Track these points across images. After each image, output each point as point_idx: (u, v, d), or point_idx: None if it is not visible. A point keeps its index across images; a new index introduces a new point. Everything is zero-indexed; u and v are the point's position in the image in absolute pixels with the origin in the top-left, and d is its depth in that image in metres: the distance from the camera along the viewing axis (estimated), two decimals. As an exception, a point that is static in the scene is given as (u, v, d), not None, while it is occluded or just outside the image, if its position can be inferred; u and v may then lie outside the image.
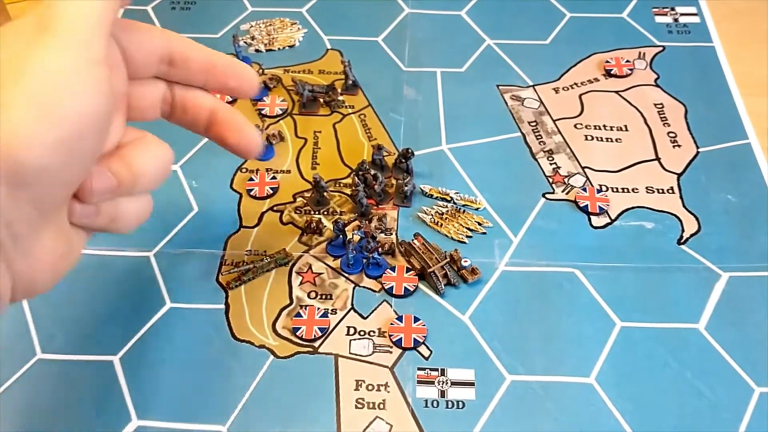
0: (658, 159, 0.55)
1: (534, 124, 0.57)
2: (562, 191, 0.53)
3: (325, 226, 0.51)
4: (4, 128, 0.27)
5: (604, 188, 0.53)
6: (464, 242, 0.50)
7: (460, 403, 0.43)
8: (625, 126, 0.57)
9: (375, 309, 0.47)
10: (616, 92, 0.60)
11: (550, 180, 0.54)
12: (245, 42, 0.64)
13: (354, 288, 0.48)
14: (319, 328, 0.46)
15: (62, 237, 0.33)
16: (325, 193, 0.52)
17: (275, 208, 0.53)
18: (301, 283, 0.48)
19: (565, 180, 0.54)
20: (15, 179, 0.28)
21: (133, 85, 0.37)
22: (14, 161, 0.28)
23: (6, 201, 0.29)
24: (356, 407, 0.43)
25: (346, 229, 0.50)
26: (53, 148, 0.28)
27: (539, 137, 0.56)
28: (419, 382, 0.44)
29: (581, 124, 0.57)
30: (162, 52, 0.37)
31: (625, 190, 0.53)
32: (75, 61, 0.29)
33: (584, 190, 0.52)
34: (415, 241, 0.49)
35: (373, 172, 0.52)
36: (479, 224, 0.51)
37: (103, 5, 0.30)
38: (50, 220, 0.32)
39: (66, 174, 0.30)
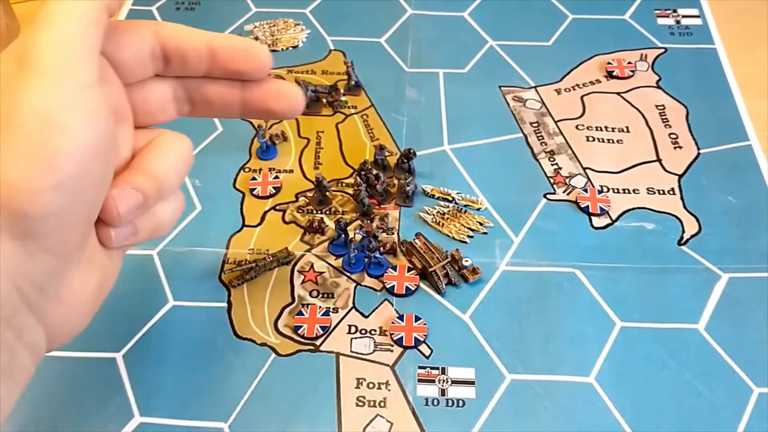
0: (659, 160, 0.55)
1: (536, 125, 0.58)
2: (563, 192, 0.53)
3: (327, 226, 0.51)
4: (3, 182, 0.26)
5: (605, 189, 0.53)
6: (465, 242, 0.50)
7: (461, 401, 0.43)
8: (627, 127, 0.57)
9: (376, 308, 0.47)
10: (618, 94, 0.60)
11: (552, 181, 0.54)
12: (249, 42, 0.64)
13: (355, 287, 0.48)
14: (320, 327, 0.46)
15: (93, 270, 0.32)
16: (327, 193, 0.53)
17: (278, 208, 0.53)
18: (303, 281, 0.49)
19: (567, 181, 0.54)
20: (23, 232, 0.27)
21: (133, 91, 0.34)
22: (19, 215, 0.27)
23: (20, 256, 0.28)
24: (357, 405, 0.43)
25: (348, 228, 0.50)
26: (56, 191, 0.27)
27: (541, 138, 0.57)
28: (420, 380, 0.44)
29: (583, 126, 0.58)
30: (153, 49, 0.34)
31: (626, 191, 0.53)
32: (63, 94, 0.27)
33: (585, 190, 0.53)
34: (417, 241, 0.50)
35: (375, 172, 0.52)
36: (480, 224, 0.51)
37: (86, 25, 0.28)
38: (74, 260, 0.30)
39: (77, 212, 0.29)
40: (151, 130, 0.35)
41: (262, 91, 0.36)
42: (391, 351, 0.45)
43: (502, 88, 0.61)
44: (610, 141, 0.57)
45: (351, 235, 0.50)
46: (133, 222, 0.33)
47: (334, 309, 0.47)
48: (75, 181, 0.28)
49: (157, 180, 0.33)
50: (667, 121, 0.58)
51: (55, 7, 0.28)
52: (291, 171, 0.55)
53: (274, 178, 0.54)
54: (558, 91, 0.60)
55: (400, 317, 0.46)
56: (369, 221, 0.51)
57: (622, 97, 0.60)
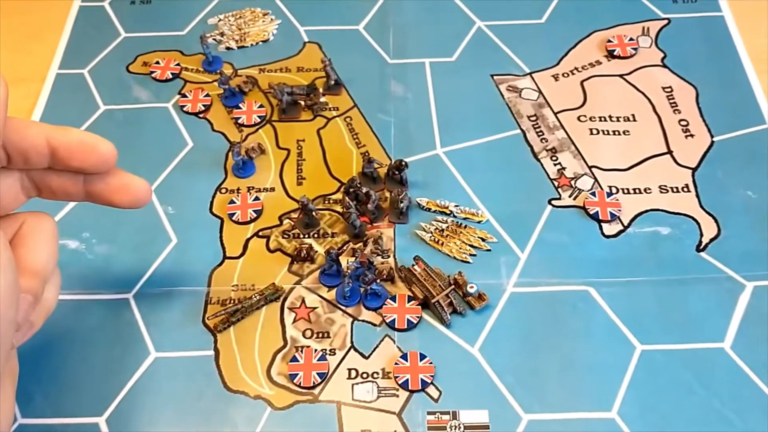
0: (670, 152, 0.51)
1: (534, 118, 0.53)
2: (570, 196, 0.49)
3: (317, 252, 0.47)
4: None
5: (614, 190, 0.49)
6: (468, 262, 0.46)
7: (475, 449, 0.40)
8: (633, 116, 0.53)
9: (377, 346, 0.43)
10: (621, 76, 0.55)
11: (556, 183, 0.50)
12: (214, 39, 0.59)
13: (352, 322, 0.44)
14: (317, 374, 0.42)
15: (8, 374, 0.35)
16: (313, 213, 0.48)
17: (261, 234, 0.48)
18: (294, 320, 0.45)
19: (572, 183, 0.50)
20: None
21: None
22: None
23: None
24: (364, 461, 0.40)
25: (340, 256, 0.46)
26: None
27: (540, 134, 0.52)
28: (430, 428, 0.40)
29: (585, 116, 0.53)
30: None
31: (637, 191, 0.49)
32: None
33: (593, 194, 0.49)
34: (416, 267, 0.46)
35: (365, 189, 0.48)
36: (483, 240, 0.47)
37: None
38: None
39: None
40: (10, 219, 0.36)
41: (104, 184, 0.38)
42: (397, 396, 0.42)
43: (495, 78, 0.56)
44: (616, 132, 0.52)
45: (344, 263, 0.46)
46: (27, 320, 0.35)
47: (331, 351, 0.43)
48: None
49: (39, 274, 0.35)
50: (676, 106, 0.53)
51: None
52: (272, 189, 0.50)
53: (254, 199, 0.50)
54: (555, 77, 0.55)
55: (404, 356, 0.43)
56: (362, 245, 0.47)
57: (625, 79, 0.55)
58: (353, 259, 0.45)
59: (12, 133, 0.34)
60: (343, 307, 0.45)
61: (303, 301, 0.45)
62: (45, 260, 0.36)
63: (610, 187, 0.49)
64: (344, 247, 0.47)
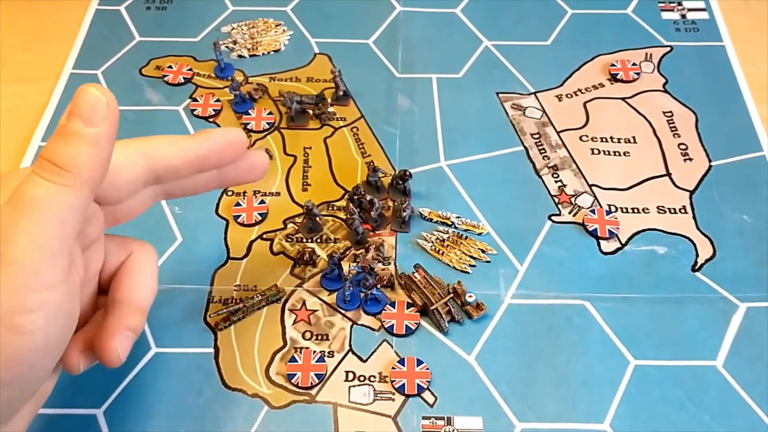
0: (669, 174, 0.52)
1: (537, 136, 0.54)
2: (569, 213, 0.50)
3: (319, 256, 0.48)
4: None
5: (613, 209, 0.50)
6: (468, 272, 0.47)
7: (468, 455, 0.40)
8: (633, 138, 0.54)
9: (375, 351, 0.44)
10: (623, 99, 0.57)
11: (556, 200, 0.51)
12: (227, 47, 0.60)
13: (352, 326, 0.45)
14: (315, 375, 0.43)
15: (36, 401, 0.35)
16: (317, 219, 0.49)
17: (264, 237, 0.49)
18: (294, 321, 0.45)
19: (572, 200, 0.51)
20: None
21: (118, 207, 0.36)
22: None
23: None
24: (358, 462, 0.40)
25: (342, 261, 0.47)
26: (4, 388, 0.29)
27: (543, 151, 0.53)
28: (424, 432, 0.41)
29: (587, 136, 0.54)
30: (146, 177, 0.35)
31: (636, 211, 0.50)
32: (28, 299, 0.28)
33: (593, 211, 0.50)
34: (416, 275, 0.46)
35: (368, 197, 0.49)
36: (483, 251, 0.48)
37: (65, 219, 0.29)
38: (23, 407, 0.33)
39: (25, 391, 0.32)
40: (122, 245, 0.37)
41: (234, 169, 0.38)
42: (393, 400, 0.42)
43: (500, 95, 0.57)
44: (617, 153, 0.53)
45: (345, 268, 0.46)
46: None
47: (329, 353, 0.44)
48: (25, 375, 0.30)
49: (144, 311, 0.36)
50: (676, 130, 0.54)
51: (38, 196, 0.29)
52: (278, 194, 0.51)
53: (260, 203, 0.50)
54: (559, 98, 0.57)
55: (401, 361, 0.43)
56: (364, 252, 0.48)
57: (627, 103, 0.56)
58: (355, 264, 0.46)
59: (162, 158, 0.35)
60: (343, 311, 0.46)
61: (304, 303, 0.46)
62: (150, 297, 0.37)
63: (609, 205, 0.50)
64: (346, 253, 0.48)
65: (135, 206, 0.36)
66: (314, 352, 0.44)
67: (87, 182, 0.30)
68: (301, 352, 0.44)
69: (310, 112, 0.55)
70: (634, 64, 0.58)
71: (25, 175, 0.30)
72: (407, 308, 0.45)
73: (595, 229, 0.49)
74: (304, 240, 0.49)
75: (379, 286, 0.46)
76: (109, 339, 0.34)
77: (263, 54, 0.60)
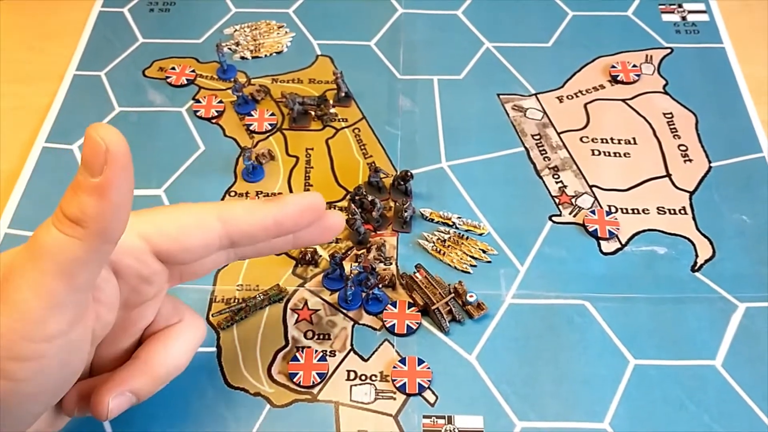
0: (668, 175, 0.52)
1: (538, 137, 0.54)
2: (570, 213, 0.50)
3: (321, 256, 0.48)
4: None
5: (613, 209, 0.50)
6: (468, 272, 0.47)
7: (469, 453, 0.41)
8: (634, 139, 0.54)
9: (376, 350, 0.44)
10: (623, 100, 0.57)
11: (557, 200, 0.51)
12: (229, 48, 0.60)
13: (353, 326, 0.45)
14: (317, 374, 0.43)
15: None
16: (319, 219, 0.49)
17: (267, 237, 0.49)
18: (296, 321, 0.46)
19: (572, 200, 0.51)
20: None
21: (187, 266, 0.35)
22: None
23: None
24: (360, 461, 0.40)
25: (344, 261, 0.47)
26: None
27: (543, 152, 0.54)
28: (425, 431, 0.41)
29: (587, 137, 0.54)
30: (221, 242, 0.34)
31: (636, 211, 0.50)
32: (22, 348, 0.28)
33: (593, 212, 0.50)
34: (417, 275, 0.47)
35: (370, 198, 0.49)
36: (483, 252, 0.48)
37: (74, 268, 0.28)
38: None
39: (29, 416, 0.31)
40: (176, 310, 0.36)
41: (309, 233, 0.37)
42: (394, 399, 0.42)
43: (501, 97, 0.57)
44: (617, 154, 0.53)
45: (347, 268, 0.47)
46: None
47: (331, 352, 0.44)
48: (9, 419, 0.29)
49: (156, 379, 0.34)
50: (676, 131, 0.55)
51: (48, 244, 0.28)
52: (280, 194, 0.52)
53: (262, 203, 0.51)
54: (560, 99, 0.57)
55: (402, 361, 0.43)
56: (365, 252, 0.48)
57: (627, 104, 0.57)
58: (356, 264, 0.46)
59: (240, 224, 0.34)
60: (344, 311, 0.46)
61: (306, 303, 0.46)
62: (171, 367, 0.35)
63: (609, 206, 0.51)
64: (348, 253, 0.48)
65: (206, 266, 0.36)
66: (316, 351, 0.44)
67: (97, 235, 0.28)
68: (303, 352, 0.44)
69: (312, 113, 0.56)
70: (634, 66, 0.58)
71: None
72: (408, 308, 0.46)
73: (596, 229, 0.49)
74: (306, 240, 0.49)
75: (380, 285, 0.46)
76: (106, 393, 0.33)
77: (265, 56, 0.60)
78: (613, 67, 0.58)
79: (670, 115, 0.56)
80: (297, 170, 0.53)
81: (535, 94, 0.57)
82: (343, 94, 0.56)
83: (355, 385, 0.43)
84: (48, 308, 0.28)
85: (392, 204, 0.51)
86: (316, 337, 0.45)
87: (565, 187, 0.52)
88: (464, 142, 0.54)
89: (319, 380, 0.43)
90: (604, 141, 0.54)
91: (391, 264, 0.48)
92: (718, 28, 0.62)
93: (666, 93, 0.57)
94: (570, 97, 0.57)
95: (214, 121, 0.56)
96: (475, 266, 0.48)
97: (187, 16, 0.63)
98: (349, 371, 0.44)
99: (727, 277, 0.47)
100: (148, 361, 0.34)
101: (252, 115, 0.56)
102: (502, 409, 0.42)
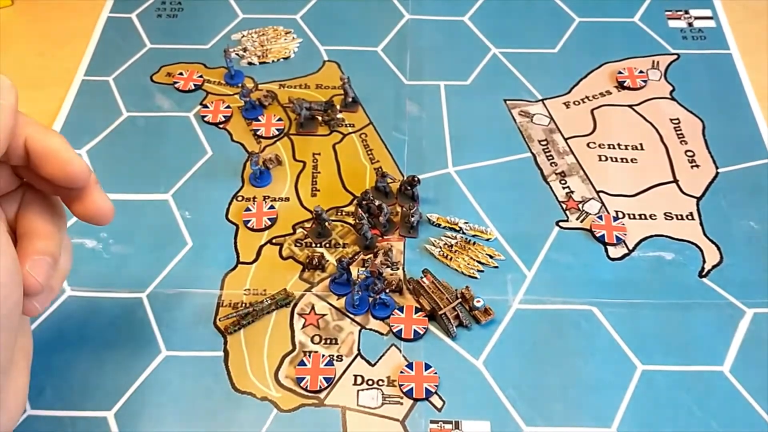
0: (676, 181, 0.52)
1: (545, 143, 0.55)
2: (577, 219, 0.50)
3: (328, 261, 0.48)
4: None
5: (620, 215, 0.50)
6: (476, 277, 0.47)
7: (476, 459, 0.41)
8: (641, 144, 0.54)
9: (383, 355, 0.44)
10: (630, 106, 0.57)
11: (564, 206, 0.51)
12: (237, 54, 0.60)
13: (360, 331, 0.45)
14: (324, 378, 0.43)
15: (21, 358, 0.36)
16: (326, 224, 0.49)
17: (274, 241, 0.50)
18: (303, 326, 0.46)
19: (579, 206, 0.51)
20: None
21: None
22: None
23: None
24: (367, 466, 0.40)
25: (351, 266, 0.47)
26: None
27: (550, 158, 0.54)
28: (432, 436, 0.41)
29: (594, 143, 0.54)
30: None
31: (643, 217, 0.50)
32: None
33: (600, 218, 0.50)
34: (425, 280, 0.47)
35: (377, 202, 0.49)
36: (491, 257, 0.48)
37: None
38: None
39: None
40: (12, 193, 0.36)
41: (78, 204, 0.36)
42: (401, 404, 0.42)
43: (508, 102, 0.57)
44: (624, 160, 0.54)
45: (354, 272, 0.47)
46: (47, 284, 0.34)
47: (338, 357, 0.44)
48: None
49: (53, 236, 0.35)
50: (683, 137, 0.55)
51: None
52: (287, 199, 0.52)
53: (269, 208, 0.51)
54: (567, 105, 0.57)
55: (410, 366, 0.43)
56: (372, 257, 0.48)
57: (634, 110, 0.57)
58: (363, 269, 0.46)
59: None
60: (351, 315, 0.46)
61: (313, 307, 0.46)
62: (52, 223, 0.35)
63: (616, 211, 0.51)
64: (355, 257, 0.48)
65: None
66: (323, 355, 0.44)
67: None
68: (310, 356, 0.44)
69: (319, 118, 0.56)
70: (641, 72, 0.58)
71: None
72: (415, 313, 0.46)
73: (603, 235, 0.49)
74: (313, 245, 0.49)
75: (387, 290, 0.46)
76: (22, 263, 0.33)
77: (273, 61, 0.60)
78: (620, 73, 0.58)
79: (677, 121, 0.56)
80: (304, 175, 0.53)
81: (542, 100, 0.57)
82: (350, 100, 0.56)
83: (362, 389, 0.43)
84: None
85: (399, 209, 0.51)
86: (323, 341, 0.45)
87: (572, 192, 0.52)
88: (471, 147, 0.54)
89: (326, 385, 0.43)
90: (611, 147, 0.54)
91: (398, 269, 0.48)
92: (725, 34, 0.62)
93: (673, 99, 0.57)
94: (577, 102, 0.57)
95: (221, 126, 0.56)
96: (482, 271, 0.48)
97: (194, 22, 0.63)
98: (356, 376, 0.44)
99: (735, 283, 0.47)
100: (31, 227, 0.35)
101: (259, 120, 0.56)
102: (509, 414, 0.42)
